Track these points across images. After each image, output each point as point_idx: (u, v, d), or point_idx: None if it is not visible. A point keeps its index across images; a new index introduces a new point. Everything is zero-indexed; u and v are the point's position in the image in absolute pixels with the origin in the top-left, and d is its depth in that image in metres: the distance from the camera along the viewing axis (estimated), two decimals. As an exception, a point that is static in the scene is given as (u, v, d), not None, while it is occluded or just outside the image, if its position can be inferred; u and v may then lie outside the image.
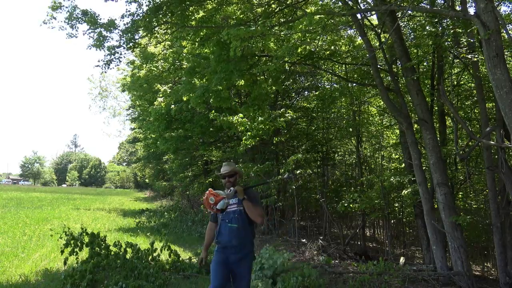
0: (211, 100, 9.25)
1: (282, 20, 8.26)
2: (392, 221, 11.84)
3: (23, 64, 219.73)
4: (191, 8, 7.76)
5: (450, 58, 8.08)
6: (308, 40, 7.99)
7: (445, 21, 6.93)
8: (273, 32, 6.92)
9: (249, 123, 9.11)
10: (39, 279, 5.62)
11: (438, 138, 7.16)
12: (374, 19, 8.76)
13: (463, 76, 8.88)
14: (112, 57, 7.64)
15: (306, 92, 14.14)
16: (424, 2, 7.57)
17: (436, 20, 7.09)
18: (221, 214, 3.53)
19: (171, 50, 11.73)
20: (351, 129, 11.70)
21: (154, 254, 6.50)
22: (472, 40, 6.42)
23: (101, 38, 7.33)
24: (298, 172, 10.12)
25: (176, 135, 13.40)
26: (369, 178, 9.83)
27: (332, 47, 9.54)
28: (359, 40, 10.01)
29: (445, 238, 6.26)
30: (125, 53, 7.88)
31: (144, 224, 13.78)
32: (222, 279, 3.39)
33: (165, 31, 8.72)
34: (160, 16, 7.49)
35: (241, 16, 8.57)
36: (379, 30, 7.56)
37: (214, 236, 3.63)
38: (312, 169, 11.59)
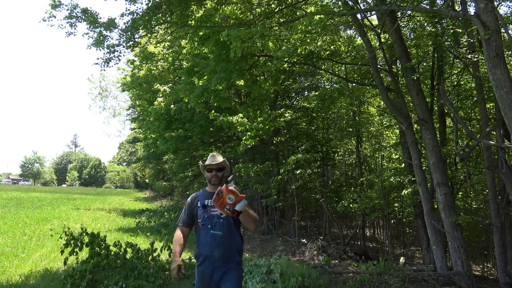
0: (211, 99, 9.25)
1: (282, 20, 8.26)
2: (392, 221, 11.84)
3: (23, 64, 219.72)
4: (191, 7, 7.76)
5: (450, 58, 8.08)
6: (308, 40, 7.99)
7: (445, 21, 6.93)
8: (273, 32, 6.92)
9: (249, 123, 9.11)
10: (39, 279, 5.62)
11: (438, 138, 7.16)
12: (374, 19, 8.76)
13: (463, 76, 8.88)
14: (112, 55, 7.65)
15: (306, 92, 14.14)
16: (424, 2, 7.56)
17: (436, 20, 7.09)
18: (201, 217, 2.87)
19: (170, 50, 11.74)
20: (350, 129, 11.71)
21: (154, 254, 6.50)
22: (472, 40, 6.43)
23: (101, 37, 7.33)
24: (298, 172, 10.12)
25: (176, 135, 13.40)
26: (369, 178, 9.83)
27: (332, 47, 9.54)
28: (359, 40, 10.01)
29: (445, 238, 6.25)
30: (124, 52, 7.90)
31: (144, 224, 13.78)
32: None
33: (165, 30, 8.72)
34: (160, 15, 7.49)
35: (241, 16, 8.57)
36: (379, 30, 7.55)
37: (184, 245, 2.96)
38: (312, 169, 11.58)
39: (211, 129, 12.79)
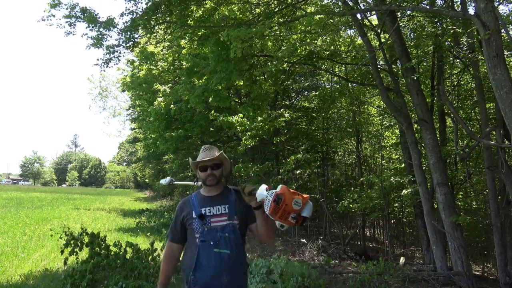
0: (210, 99, 9.25)
1: (281, 20, 8.26)
2: (392, 221, 11.83)
3: (23, 64, 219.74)
4: (190, 7, 7.75)
5: (450, 58, 8.08)
6: (308, 40, 7.99)
7: (445, 21, 6.93)
8: (273, 32, 6.92)
9: (248, 123, 9.10)
10: (39, 279, 5.62)
11: (438, 138, 7.15)
12: (374, 19, 8.76)
13: (463, 76, 8.87)
14: (111, 55, 7.65)
15: (306, 92, 14.13)
16: (424, 2, 7.56)
17: (436, 20, 7.08)
18: (198, 231, 2.22)
19: (170, 50, 11.74)
20: (350, 129, 11.71)
21: (154, 254, 6.49)
22: (472, 40, 6.42)
23: (100, 37, 7.33)
24: (298, 172, 10.11)
25: (176, 135, 13.41)
26: (369, 178, 9.82)
27: (332, 47, 9.54)
28: (359, 40, 10.01)
29: (445, 238, 6.25)
30: (124, 52, 7.89)
31: (144, 224, 13.78)
32: None
33: (164, 30, 8.72)
34: (159, 15, 7.49)
35: (240, 16, 8.57)
36: (379, 30, 7.55)
37: (174, 269, 2.46)
38: (312, 169, 11.58)
39: (211, 129, 12.79)
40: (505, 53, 6.01)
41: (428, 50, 7.98)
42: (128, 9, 7.38)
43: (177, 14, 7.48)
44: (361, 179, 10.64)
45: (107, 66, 7.81)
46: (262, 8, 8.63)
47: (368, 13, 7.62)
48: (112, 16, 7.39)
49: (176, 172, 18.15)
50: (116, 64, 8.07)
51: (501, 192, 6.34)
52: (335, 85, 11.99)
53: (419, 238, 8.47)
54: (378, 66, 7.72)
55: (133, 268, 5.62)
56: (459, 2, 7.21)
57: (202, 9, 8.12)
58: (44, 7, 7.27)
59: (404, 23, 8.36)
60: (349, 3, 7.41)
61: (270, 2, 8.32)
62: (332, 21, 7.90)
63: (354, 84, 10.07)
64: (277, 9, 8.35)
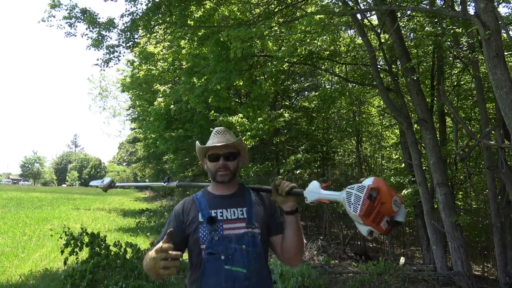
0: (210, 99, 9.25)
1: (281, 20, 8.26)
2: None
3: (23, 64, 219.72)
4: (190, 7, 7.75)
5: (450, 58, 8.08)
6: (308, 40, 7.99)
7: (445, 21, 6.93)
8: (273, 32, 6.92)
9: (248, 123, 9.10)
10: (39, 279, 5.62)
11: (438, 138, 7.15)
12: (374, 19, 8.76)
13: (463, 76, 8.87)
14: (111, 56, 7.66)
15: (306, 92, 14.13)
16: (424, 2, 7.56)
17: (436, 20, 7.08)
18: (205, 240, 1.67)
19: (170, 50, 11.74)
20: (350, 129, 11.70)
21: (154, 254, 6.48)
22: (472, 40, 6.42)
23: (100, 37, 7.33)
24: (298, 172, 10.11)
25: (176, 135, 13.41)
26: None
27: (332, 47, 9.54)
28: (359, 40, 10.01)
29: (445, 238, 6.25)
30: (124, 52, 7.89)
31: (144, 224, 13.78)
32: None
33: (164, 31, 8.72)
34: (160, 15, 7.49)
35: (240, 16, 8.57)
36: (379, 30, 7.55)
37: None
38: (312, 169, 11.57)
39: (211, 129, 12.75)
40: (505, 53, 6.00)
41: (428, 50, 7.99)
42: (128, 10, 7.38)
43: (177, 15, 7.48)
44: (361, 179, 10.63)
45: (107, 66, 7.82)
46: (262, 8, 8.63)
47: (368, 13, 7.62)
48: (112, 17, 7.40)
49: (176, 172, 18.14)
50: (116, 64, 8.08)
51: (501, 192, 6.34)
52: (335, 85, 11.99)
53: (419, 238, 8.47)
54: (378, 66, 7.72)
55: (133, 268, 5.62)
56: (459, 2, 7.21)
57: (202, 9, 8.13)
58: (45, 8, 7.28)
59: (404, 23, 8.36)
60: (349, 3, 7.41)
61: (270, 2, 8.32)
62: (332, 21, 7.90)
63: (354, 84, 10.07)
64: (277, 9, 8.35)
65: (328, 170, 14.01)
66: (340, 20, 8.09)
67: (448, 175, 7.36)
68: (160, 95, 12.57)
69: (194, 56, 9.60)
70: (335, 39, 9.62)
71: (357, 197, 1.50)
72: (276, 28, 7.25)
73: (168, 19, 7.78)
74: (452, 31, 6.23)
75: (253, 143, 9.53)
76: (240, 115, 9.33)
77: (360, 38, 8.72)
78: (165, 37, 9.22)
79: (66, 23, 7.30)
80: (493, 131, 6.01)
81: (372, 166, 13.66)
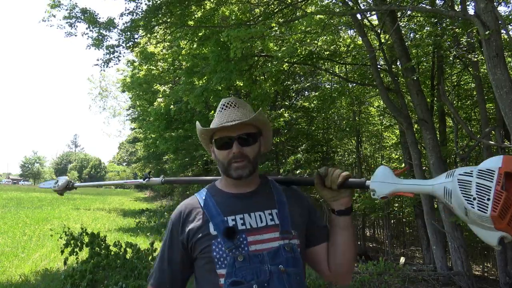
0: (211, 99, 9.26)
1: (281, 20, 8.26)
2: (392, 221, 11.83)
3: (23, 64, 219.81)
4: (190, 8, 7.76)
5: (450, 58, 8.09)
6: (308, 40, 7.99)
7: (445, 21, 6.93)
8: (273, 32, 6.92)
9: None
10: (39, 279, 5.62)
11: (438, 138, 7.15)
12: (374, 19, 8.77)
13: (463, 76, 8.88)
14: (111, 56, 7.67)
15: (306, 92, 14.14)
16: (424, 2, 7.57)
17: (436, 20, 7.09)
18: (222, 261, 1.17)
19: (170, 50, 11.75)
20: (348, 129, 11.71)
21: (154, 254, 6.49)
22: (472, 40, 6.43)
23: (100, 37, 7.34)
24: (298, 172, 10.11)
25: (176, 135, 13.42)
26: (369, 178, 9.81)
27: (332, 47, 9.54)
28: (359, 40, 10.01)
29: (445, 238, 6.25)
30: (124, 52, 7.90)
31: (144, 224, 13.78)
32: None
33: (164, 31, 8.72)
34: (160, 16, 7.49)
35: (241, 16, 8.58)
36: (379, 30, 7.55)
37: None
38: (312, 169, 11.58)
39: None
40: (505, 53, 6.01)
41: (428, 50, 7.99)
42: (128, 10, 7.39)
43: (177, 15, 7.49)
44: (361, 179, 10.64)
45: (107, 66, 7.83)
46: (262, 8, 8.64)
47: (368, 13, 7.62)
48: (112, 17, 7.41)
49: (176, 172, 18.15)
50: (116, 64, 8.10)
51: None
52: (335, 85, 12.00)
53: (419, 238, 8.47)
54: (378, 66, 7.72)
55: (133, 268, 5.62)
56: (459, 2, 7.22)
57: (202, 9, 8.13)
58: (45, 8, 7.29)
59: (404, 23, 8.37)
60: (349, 3, 7.41)
61: (270, 2, 8.32)
62: (332, 21, 7.91)
63: (354, 84, 10.07)
64: (277, 9, 8.35)
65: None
66: (340, 20, 8.09)
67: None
68: (160, 95, 12.58)
69: (194, 56, 9.61)
70: (335, 40, 9.63)
71: (483, 188, 0.98)
72: (276, 28, 7.25)
73: (168, 19, 7.78)
74: (452, 31, 6.24)
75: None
76: (240, 115, 9.33)
77: (360, 38, 8.73)
78: (165, 37, 9.22)
79: (66, 23, 7.31)
80: (493, 131, 6.01)
81: (372, 166, 13.65)
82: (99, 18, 7.33)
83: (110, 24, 7.27)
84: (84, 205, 22.66)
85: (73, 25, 7.37)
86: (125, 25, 7.33)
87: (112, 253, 6.00)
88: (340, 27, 8.71)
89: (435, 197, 1.23)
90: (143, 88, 13.56)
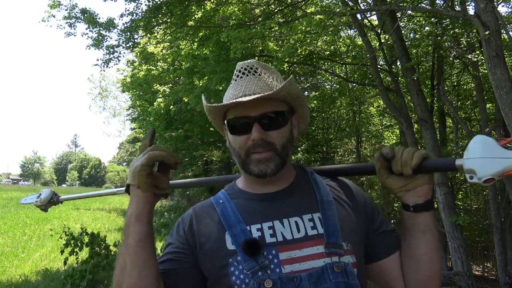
0: (211, 99, 9.26)
1: (281, 20, 8.27)
2: (392, 221, 11.83)
3: (23, 64, 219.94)
4: (190, 8, 7.76)
5: (450, 58, 8.09)
6: (308, 41, 8.00)
7: (445, 21, 6.94)
8: (273, 33, 6.92)
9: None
10: (39, 279, 5.62)
11: (438, 138, 7.16)
12: (374, 19, 8.77)
13: (463, 76, 8.88)
14: (111, 56, 7.68)
15: (306, 92, 14.14)
16: (424, 2, 7.57)
17: (436, 20, 7.09)
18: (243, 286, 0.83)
19: (170, 50, 11.76)
20: (348, 129, 11.72)
21: (154, 254, 6.49)
22: (472, 40, 6.43)
23: (100, 37, 7.35)
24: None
25: (176, 135, 13.42)
26: (369, 178, 9.82)
27: (332, 47, 9.55)
28: (359, 40, 10.02)
29: (445, 238, 6.26)
30: (124, 53, 7.91)
31: (144, 224, 13.76)
32: None
33: (164, 31, 8.73)
34: (160, 16, 7.50)
35: (241, 16, 8.58)
36: (379, 30, 7.55)
37: None
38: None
39: (211, 129, 12.80)
40: (505, 53, 6.01)
41: (428, 50, 8.00)
42: (128, 10, 7.40)
43: (178, 15, 7.49)
44: (361, 179, 10.65)
45: (107, 67, 7.84)
46: (262, 8, 8.64)
47: (368, 13, 7.63)
48: (112, 17, 7.42)
49: (176, 172, 18.15)
50: (116, 64, 8.12)
51: (501, 192, 6.35)
52: (335, 85, 12.00)
53: (419, 238, 8.46)
54: (378, 66, 7.73)
55: (133, 268, 5.62)
56: (459, 2, 7.22)
57: (202, 10, 8.14)
58: (45, 9, 7.31)
59: (404, 23, 8.37)
60: (349, 3, 7.42)
61: (270, 2, 8.32)
62: (332, 21, 7.92)
63: (354, 84, 10.07)
64: (277, 9, 8.36)
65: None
66: (340, 20, 8.10)
67: (448, 175, 7.36)
68: (160, 95, 12.58)
69: (194, 57, 9.62)
70: (335, 40, 9.64)
71: None
72: (276, 28, 7.26)
73: (168, 19, 7.79)
74: (452, 31, 6.24)
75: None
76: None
77: (360, 38, 8.74)
78: (165, 37, 9.23)
79: (66, 23, 7.32)
80: (493, 131, 6.01)
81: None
82: (99, 18, 7.34)
83: (110, 24, 7.28)
84: (84, 205, 22.66)
85: (72, 26, 7.38)
86: (125, 25, 7.34)
87: (112, 253, 6.00)
88: (340, 27, 8.72)
89: None
90: (143, 88, 13.57)
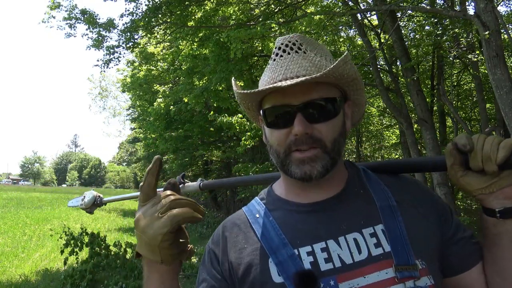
0: (211, 100, 9.27)
1: (281, 20, 8.27)
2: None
3: (23, 64, 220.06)
4: (190, 8, 7.77)
5: (450, 58, 8.10)
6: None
7: (445, 21, 6.94)
8: (273, 33, 6.92)
9: (248, 123, 9.11)
10: (39, 279, 5.62)
11: (438, 138, 7.16)
12: (374, 19, 8.77)
13: (463, 76, 8.89)
14: (111, 56, 7.68)
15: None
16: (424, 2, 7.57)
17: (436, 20, 7.09)
18: None
19: (170, 50, 11.77)
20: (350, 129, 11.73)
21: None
22: (472, 40, 6.43)
23: (100, 38, 7.35)
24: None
25: (176, 135, 13.43)
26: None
27: (332, 47, 9.54)
28: (359, 40, 10.02)
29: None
30: (124, 53, 7.91)
31: (144, 224, 13.79)
32: None
33: (164, 31, 8.73)
34: (160, 16, 7.50)
35: (241, 16, 8.59)
36: (379, 30, 7.56)
37: None
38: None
39: (211, 129, 12.81)
40: (505, 53, 6.01)
41: (428, 50, 8.00)
42: (128, 10, 7.39)
43: (178, 15, 7.49)
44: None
45: (107, 67, 7.84)
46: (262, 8, 8.64)
47: (368, 13, 7.63)
48: (112, 17, 7.42)
49: (176, 172, 18.15)
50: (116, 64, 8.11)
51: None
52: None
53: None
54: (378, 66, 7.73)
55: (133, 268, 5.62)
56: (459, 2, 7.22)
57: (202, 10, 8.15)
58: (45, 10, 7.31)
59: (404, 23, 8.37)
60: (349, 3, 7.42)
61: (270, 2, 8.32)
62: (332, 21, 7.92)
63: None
64: (277, 9, 8.36)
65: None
66: (340, 20, 8.11)
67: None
68: (160, 96, 12.59)
69: (194, 57, 9.63)
70: (335, 40, 9.64)
71: None
72: (276, 28, 7.26)
73: (168, 19, 7.79)
74: (452, 31, 6.24)
75: (252, 143, 9.54)
76: (240, 115, 9.33)
77: (360, 38, 8.74)
78: (165, 37, 9.23)
79: (66, 24, 7.33)
80: (493, 131, 6.02)
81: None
82: (99, 19, 7.35)
83: (110, 24, 7.28)
84: (84, 205, 22.67)
85: (72, 26, 7.38)
86: (125, 25, 7.34)
87: (112, 253, 6.00)
88: (340, 27, 8.72)
89: None
90: (143, 88, 13.58)
